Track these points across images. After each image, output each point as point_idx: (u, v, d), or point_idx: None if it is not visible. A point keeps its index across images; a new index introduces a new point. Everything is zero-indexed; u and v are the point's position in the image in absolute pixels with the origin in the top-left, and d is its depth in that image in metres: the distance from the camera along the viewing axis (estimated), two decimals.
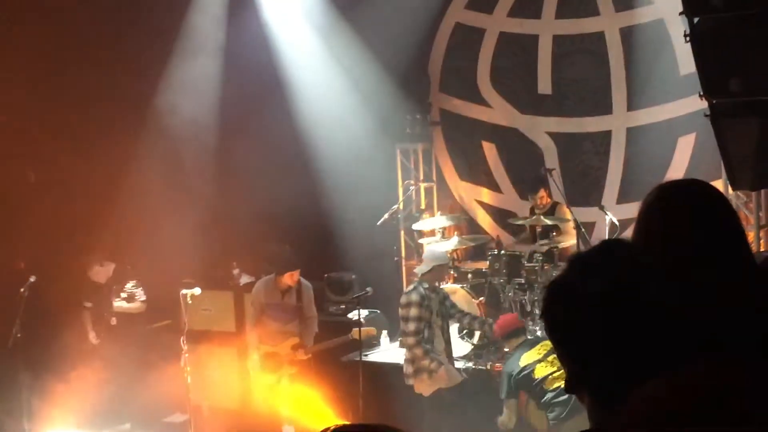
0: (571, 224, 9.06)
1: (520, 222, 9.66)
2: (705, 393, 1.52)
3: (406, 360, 8.06)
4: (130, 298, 9.44)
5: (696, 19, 4.34)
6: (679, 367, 1.59)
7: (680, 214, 2.36)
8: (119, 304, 9.42)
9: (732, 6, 4.16)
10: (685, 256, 2.17)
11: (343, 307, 9.67)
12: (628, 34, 10.02)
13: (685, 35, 4.47)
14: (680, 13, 4.54)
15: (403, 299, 7.99)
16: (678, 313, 1.64)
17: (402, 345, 8.21)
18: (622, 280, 1.67)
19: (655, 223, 2.40)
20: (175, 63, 10.33)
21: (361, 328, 8.38)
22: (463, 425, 7.68)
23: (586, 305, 1.68)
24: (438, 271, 8.05)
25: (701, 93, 4.47)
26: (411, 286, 8.18)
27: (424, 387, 7.91)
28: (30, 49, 9.83)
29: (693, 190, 2.47)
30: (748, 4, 4.14)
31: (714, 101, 4.41)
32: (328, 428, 1.61)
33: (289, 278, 8.53)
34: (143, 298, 9.51)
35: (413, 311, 7.86)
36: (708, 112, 4.45)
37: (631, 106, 10.07)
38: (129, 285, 9.45)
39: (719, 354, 1.60)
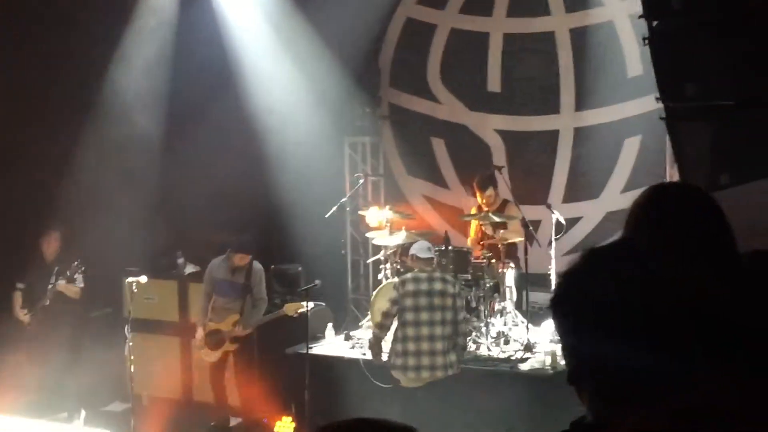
0: (519, 222, 9.13)
1: (467, 219, 9.70)
2: (704, 416, 1.55)
3: (424, 352, 7.60)
4: (70, 281, 9.18)
5: (655, 23, 4.39)
6: (682, 375, 1.61)
7: (672, 217, 2.42)
8: (60, 282, 9.14)
9: (691, 10, 4.22)
10: (679, 258, 2.20)
11: (289, 298, 9.63)
12: (578, 35, 10.15)
13: (644, 39, 4.52)
14: (639, 16, 4.59)
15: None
16: (685, 316, 1.66)
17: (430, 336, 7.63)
18: (635, 280, 1.68)
19: (648, 227, 2.45)
20: (127, 45, 10.16)
21: (291, 304, 8.60)
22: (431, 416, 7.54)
23: (600, 301, 1.68)
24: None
25: (657, 96, 4.52)
26: (430, 275, 7.72)
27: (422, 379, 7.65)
28: None
29: (683, 193, 2.56)
30: (708, 9, 4.20)
31: (670, 105, 4.47)
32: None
33: (239, 259, 8.75)
34: (82, 284, 9.29)
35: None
36: (663, 115, 4.51)
37: (579, 106, 10.21)
38: (72, 267, 9.18)
39: (719, 371, 1.62)
